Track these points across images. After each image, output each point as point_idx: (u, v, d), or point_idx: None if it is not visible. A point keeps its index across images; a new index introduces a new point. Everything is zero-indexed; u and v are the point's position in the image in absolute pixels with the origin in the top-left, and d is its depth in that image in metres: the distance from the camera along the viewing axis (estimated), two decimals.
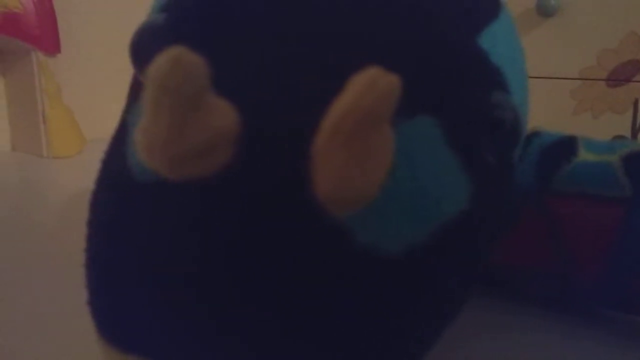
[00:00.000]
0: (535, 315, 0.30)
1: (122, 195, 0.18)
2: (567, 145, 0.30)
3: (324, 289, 0.16)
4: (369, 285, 0.17)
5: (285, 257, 0.16)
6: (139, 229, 0.17)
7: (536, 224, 0.29)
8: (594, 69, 1.08)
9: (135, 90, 0.21)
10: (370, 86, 0.14)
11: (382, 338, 0.18)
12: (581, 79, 1.10)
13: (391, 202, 0.16)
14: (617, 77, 1.07)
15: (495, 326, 0.29)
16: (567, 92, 1.11)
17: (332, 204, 0.15)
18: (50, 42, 0.63)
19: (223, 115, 0.15)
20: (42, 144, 0.65)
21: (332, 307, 0.17)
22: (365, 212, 0.16)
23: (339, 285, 0.16)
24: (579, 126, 1.11)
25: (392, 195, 0.16)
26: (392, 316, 0.18)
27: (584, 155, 0.29)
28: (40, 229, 0.42)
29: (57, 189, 0.55)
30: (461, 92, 0.19)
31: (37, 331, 0.28)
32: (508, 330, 0.29)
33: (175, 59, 0.13)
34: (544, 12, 1.07)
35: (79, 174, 0.59)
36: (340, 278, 0.16)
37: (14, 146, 0.70)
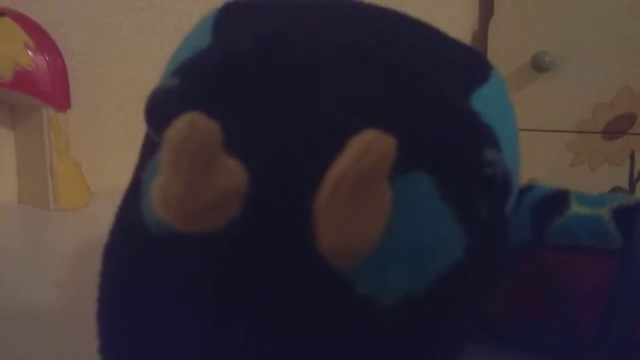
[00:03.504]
0: None
1: (136, 246, 0.19)
2: (559, 199, 0.31)
3: (325, 338, 0.17)
4: (367, 335, 0.18)
5: (289, 308, 0.17)
6: (153, 279, 0.18)
7: (532, 276, 0.30)
8: (589, 122, 1.11)
9: (149, 148, 0.22)
10: (367, 148, 0.15)
11: None
12: (577, 131, 1.12)
13: (389, 255, 0.18)
14: (613, 130, 1.09)
15: None
16: (563, 145, 1.13)
17: (333, 256, 0.16)
18: (61, 99, 0.65)
19: (233, 174, 0.16)
20: (48, 197, 0.66)
21: (331, 354, 0.17)
22: (364, 265, 0.17)
23: (339, 335, 0.17)
24: (577, 178, 1.12)
25: (390, 248, 0.17)
26: None
27: (576, 209, 0.30)
28: (47, 281, 0.43)
29: (63, 241, 0.56)
30: (455, 150, 0.21)
31: None
32: None
33: (191, 124, 0.15)
34: (539, 67, 1.10)
35: (85, 227, 0.60)
36: (340, 327, 0.17)
37: (20, 199, 0.71)
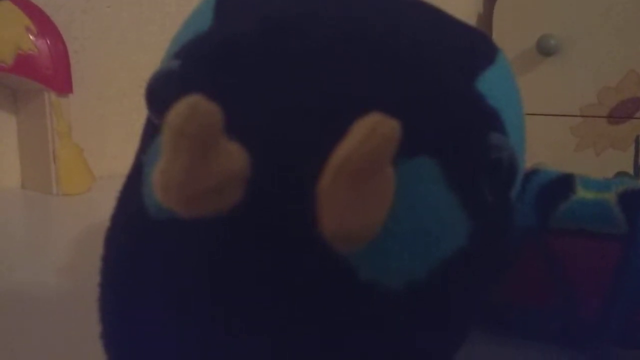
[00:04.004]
0: (535, 350, 0.30)
1: (138, 232, 0.19)
2: (564, 183, 0.30)
3: (328, 323, 0.17)
4: (369, 320, 0.18)
5: (292, 293, 0.17)
6: (154, 265, 0.18)
7: (536, 261, 0.29)
8: (594, 106, 1.10)
9: (150, 132, 0.22)
10: (371, 131, 0.15)
11: None
12: (582, 116, 1.11)
13: (392, 240, 0.17)
14: (618, 115, 1.08)
15: None
16: (568, 129, 1.12)
17: (337, 241, 0.16)
18: (62, 83, 0.64)
19: (235, 158, 0.16)
20: (51, 182, 0.66)
21: (333, 339, 0.17)
22: (367, 250, 0.17)
23: (341, 320, 0.17)
24: (582, 163, 1.12)
25: (393, 233, 0.17)
26: (391, 351, 0.18)
27: (581, 193, 0.30)
28: (50, 265, 0.43)
29: (66, 226, 0.56)
30: (460, 134, 0.20)
31: None
32: None
33: (192, 106, 0.14)
34: (545, 51, 1.09)
35: (88, 211, 0.60)
36: (343, 312, 0.17)
37: (24, 184, 0.71)
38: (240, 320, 0.17)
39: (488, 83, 0.23)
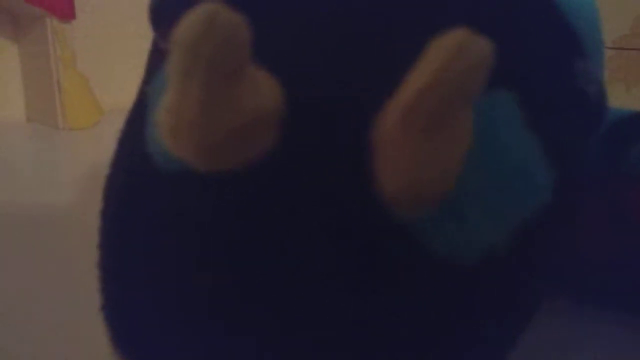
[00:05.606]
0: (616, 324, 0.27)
1: (141, 186, 0.15)
2: (638, 122, 0.26)
3: (389, 298, 0.13)
4: (441, 294, 0.14)
5: (341, 270, 0.13)
6: (159, 230, 0.14)
7: (604, 211, 0.26)
8: (627, 37, 1.04)
9: (156, 58, 0.18)
10: (459, 52, 0.11)
11: (455, 351, 0.15)
12: (614, 48, 1.05)
13: (468, 199, 0.13)
14: None
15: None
16: None
17: (402, 203, 0.12)
18: (64, 8, 0.60)
19: (265, 93, 0.12)
20: (57, 115, 0.63)
21: (399, 317, 0.14)
22: (436, 213, 0.13)
23: (406, 295, 0.14)
24: (611, 97, 1.06)
25: (468, 189, 0.13)
26: (466, 328, 0.15)
27: None
28: (55, 205, 0.41)
29: (73, 162, 0.53)
30: (539, 60, 0.16)
31: (48, 307, 0.26)
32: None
33: (210, 17, 0.10)
34: None
35: (96, 147, 0.57)
36: (409, 286, 0.14)
37: (28, 117, 0.68)
38: (273, 302, 0.13)
39: (572, 1, 0.18)
